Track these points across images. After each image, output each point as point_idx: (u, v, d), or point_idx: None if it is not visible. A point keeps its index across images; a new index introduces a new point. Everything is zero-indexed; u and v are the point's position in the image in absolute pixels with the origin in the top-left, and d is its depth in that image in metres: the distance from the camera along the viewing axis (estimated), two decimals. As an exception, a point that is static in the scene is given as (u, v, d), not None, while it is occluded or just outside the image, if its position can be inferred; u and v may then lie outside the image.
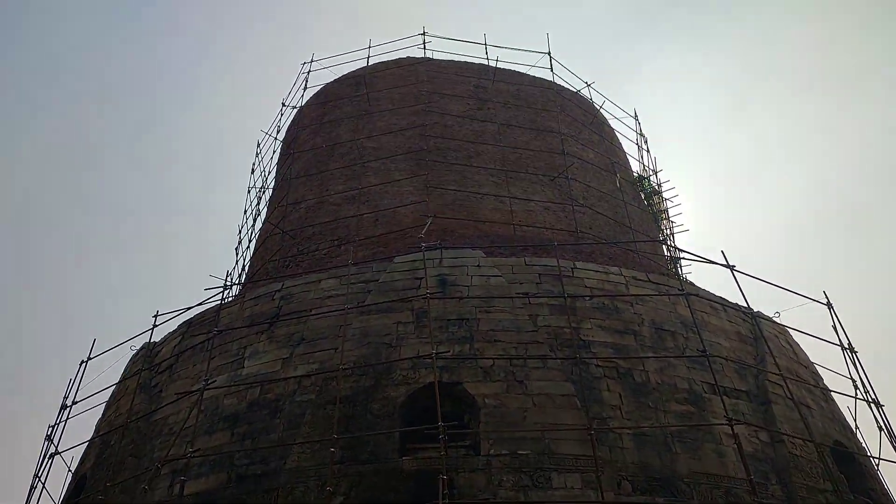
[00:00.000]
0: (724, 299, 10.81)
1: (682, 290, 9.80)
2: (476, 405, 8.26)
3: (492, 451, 7.82)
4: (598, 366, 8.78)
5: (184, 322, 11.42)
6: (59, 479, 11.13)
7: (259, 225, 16.08)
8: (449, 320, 9.19)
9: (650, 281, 10.31)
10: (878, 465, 10.11)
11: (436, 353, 8.32)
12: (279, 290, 10.42)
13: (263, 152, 19.00)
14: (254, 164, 17.44)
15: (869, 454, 10.16)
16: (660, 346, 9.31)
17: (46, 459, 10.54)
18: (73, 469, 11.15)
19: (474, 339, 8.94)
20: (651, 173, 17.58)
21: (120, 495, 8.95)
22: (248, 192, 17.05)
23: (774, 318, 11.02)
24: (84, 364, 11.28)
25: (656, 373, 8.93)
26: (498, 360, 8.63)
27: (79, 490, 10.13)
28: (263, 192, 16.90)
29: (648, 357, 9.01)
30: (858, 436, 10.58)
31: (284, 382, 8.92)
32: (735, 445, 7.97)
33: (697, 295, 10.24)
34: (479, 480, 7.60)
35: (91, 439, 10.96)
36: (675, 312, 9.85)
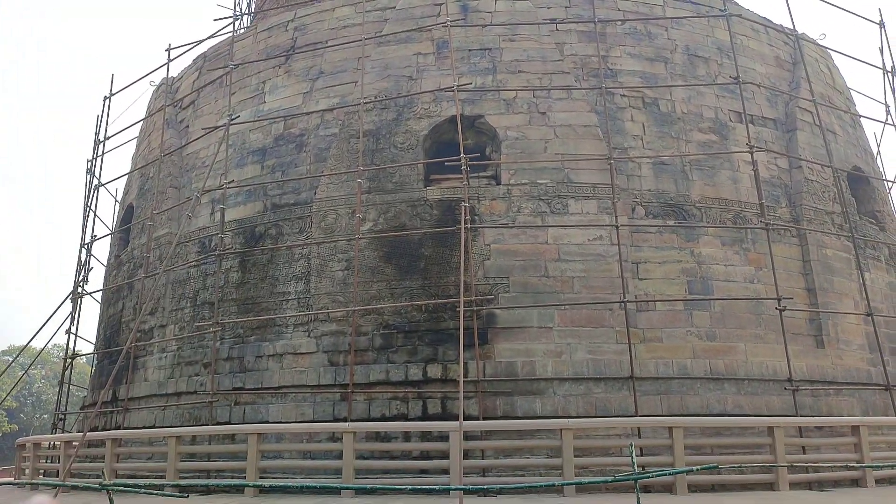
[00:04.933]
0: (767, 20, 10.03)
1: (724, 10, 9.04)
2: (498, 137, 8.33)
3: (512, 181, 8.11)
4: (623, 95, 8.58)
5: (199, 56, 11.13)
6: (109, 209, 12.06)
7: (261, -56, 14.58)
8: (471, 50, 8.80)
9: (690, 0, 9.48)
10: (890, 189, 10.36)
11: (457, 86, 8.14)
12: (292, 21, 9.89)
13: None
14: None
15: (884, 178, 10.34)
16: (691, 73, 8.94)
17: (92, 191, 11.28)
18: (118, 199, 12.00)
19: (497, 70, 8.64)
20: None
21: (168, 222, 9.75)
22: None
23: (818, 41, 10.33)
24: (108, 100, 11.35)
25: (683, 102, 8.73)
26: (521, 91, 8.44)
27: (128, 217, 11.02)
28: None
29: (677, 85, 8.73)
30: (879, 161, 10.65)
31: (307, 117, 8.97)
32: (752, 172, 8.12)
33: (740, 16, 9.47)
34: (500, 207, 8.02)
35: (130, 172, 11.56)
36: (713, 36, 9.24)
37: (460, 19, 8.88)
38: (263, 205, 8.84)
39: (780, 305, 7.50)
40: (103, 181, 11.43)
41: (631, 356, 7.26)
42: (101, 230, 11.49)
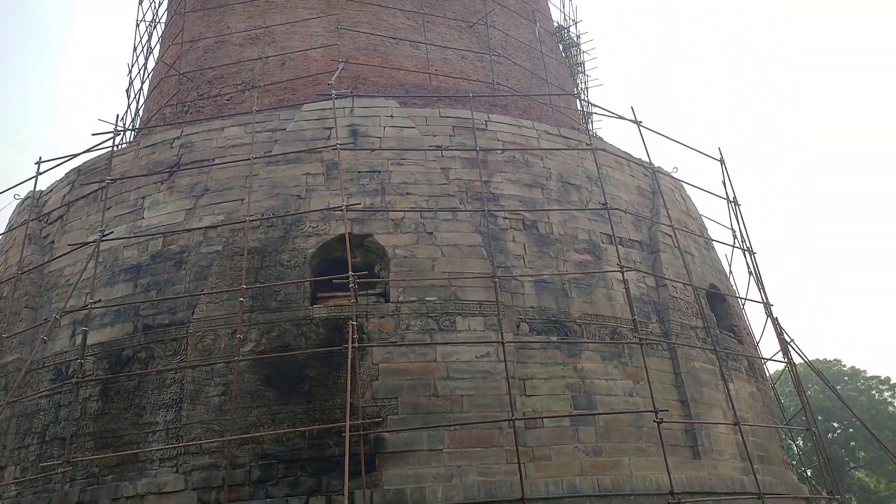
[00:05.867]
0: (628, 154, 11.19)
1: (591, 144, 10.01)
2: (386, 256, 8.43)
3: (401, 299, 8.13)
4: (505, 218, 9.06)
5: (72, 170, 10.63)
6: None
7: (152, 64, 14.67)
8: (360, 172, 9.05)
9: (561, 135, 10.44)
10: (743, 305, 11.41)
11: (346, 206, 8.26)
12: (178, 138, 9.79)
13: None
14: (140, -7, 15.49)
15: (737, 295, 11.40)
16: (565, 199, 9.66)
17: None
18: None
19: (386, 191, 8.91)
20: (571, 23, 17.15)
21: (18, 346, 8.76)
22: (137, 25, 15.31)
23: (672, 173, 11.61)
24: (-38, 214, 10.44)
25: (560, 224, 9.34)
26: (409, 212, 8.70)
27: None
28: (154, 27, 15.24)
29: (553, 210, 9.36)
30: (731, 280, 11.78)
31: (189, 234, 8.67)
32: (624, 290, 8.68)
33: (604, 150, 10.52)
34: (388, 325, 7.96)
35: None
36: (582, 167, 10.14)
37: (350, 143, 9.19)
38: (134, 326, 8.21)
39: (657, 418, 7.77)
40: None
41: (521, 476, 7.14)
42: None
